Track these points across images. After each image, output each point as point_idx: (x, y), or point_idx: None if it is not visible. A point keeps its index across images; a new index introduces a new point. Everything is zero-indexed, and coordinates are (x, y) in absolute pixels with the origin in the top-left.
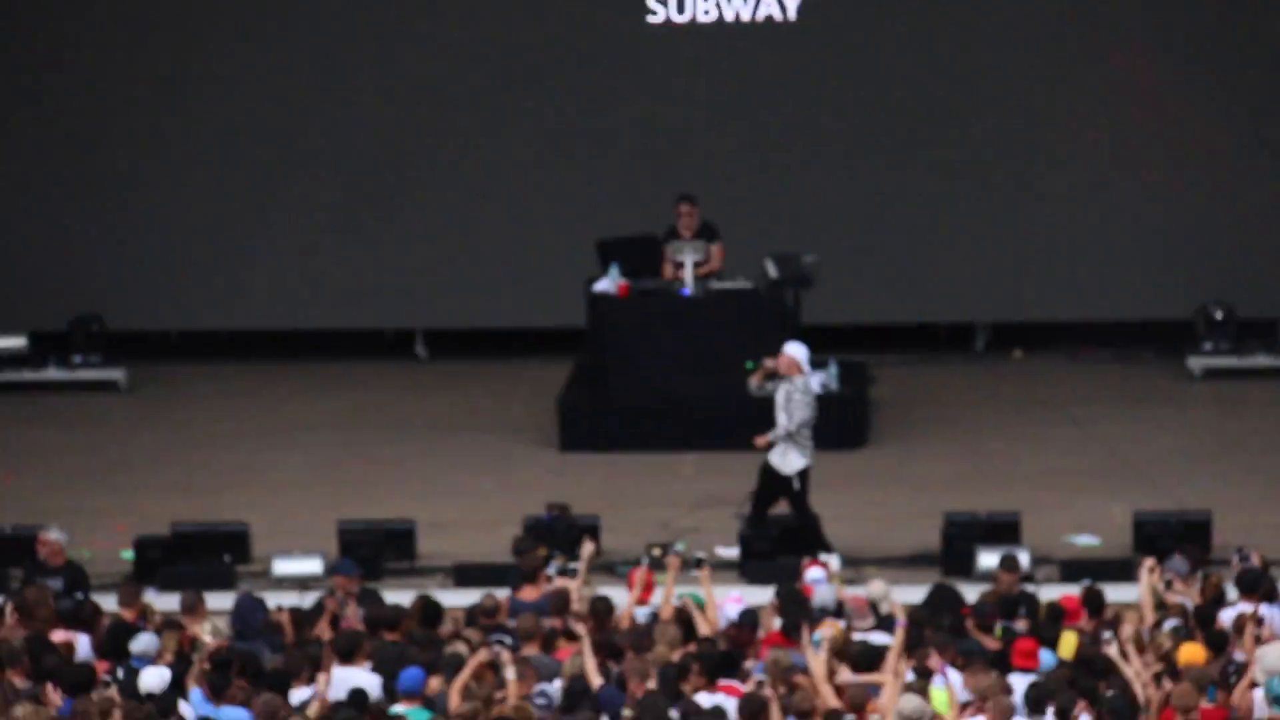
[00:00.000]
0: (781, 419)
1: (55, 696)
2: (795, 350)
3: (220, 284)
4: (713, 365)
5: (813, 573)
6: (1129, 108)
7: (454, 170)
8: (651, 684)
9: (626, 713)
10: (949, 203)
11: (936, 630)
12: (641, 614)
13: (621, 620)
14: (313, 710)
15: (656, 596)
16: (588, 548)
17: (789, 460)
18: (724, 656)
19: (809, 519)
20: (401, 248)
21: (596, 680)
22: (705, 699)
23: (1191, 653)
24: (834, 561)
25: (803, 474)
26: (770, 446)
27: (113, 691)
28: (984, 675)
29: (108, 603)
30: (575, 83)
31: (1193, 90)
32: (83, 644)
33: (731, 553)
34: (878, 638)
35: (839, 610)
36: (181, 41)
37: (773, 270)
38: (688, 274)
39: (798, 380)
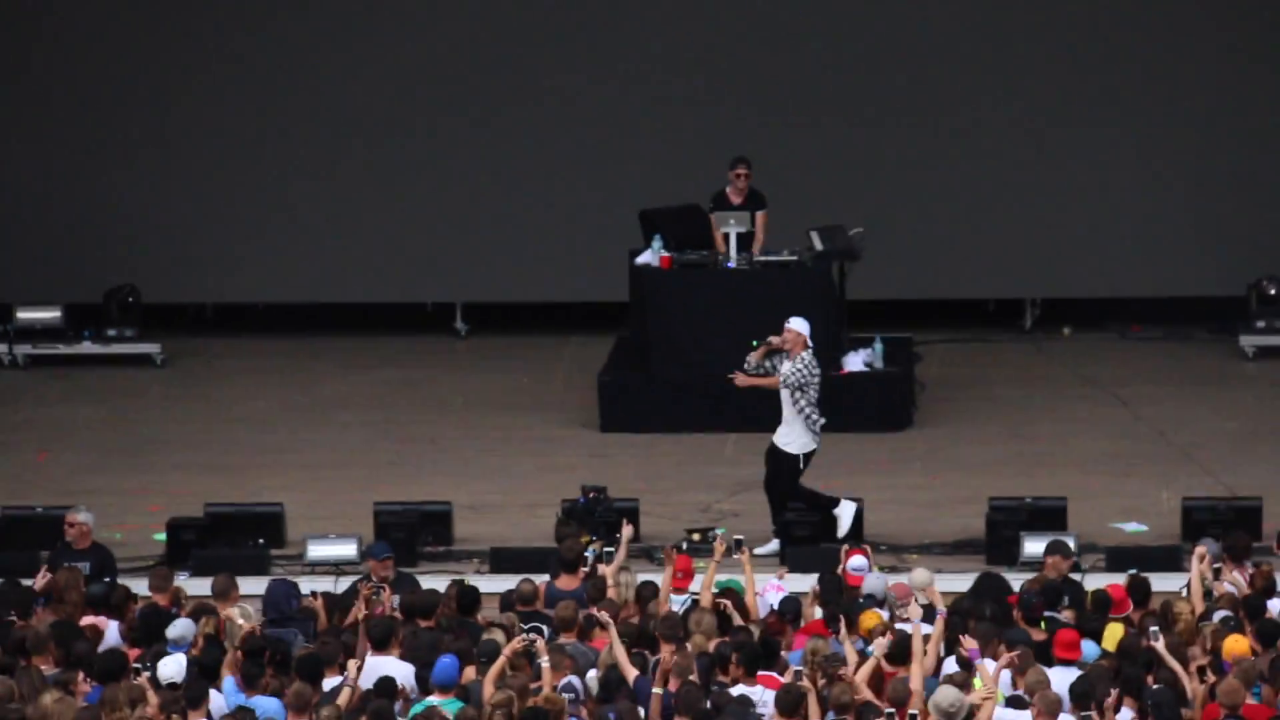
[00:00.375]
0: (785, 393)
1: (84, 685)
2: (800, 325)
3: (257, 256)
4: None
5: (855, 561)
6: (1181, 80)
7: (495, 139)
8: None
9: (656, 689)
10: (998, 176)
11: (979, 620)
12: (679, 602)
13: (659, 608)
14: (343, 699)
15: (694, 584)
16: (626, 531)
17: (796, 441)
18: (763, 646)
19: (800, 494)
20: (441, 219)
21: (631, 673)
22: (742, 690)
23: (1236, 645)
24: (847, 510)
25: (807, 456)
26: (749, 386)
27: (143, 679)
28: (1033, 670)
29: (137, 586)
30: (617, 48)
31: (1246, 62)
32: (111, 630)
33: (770, 548)
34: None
35: (884, 600)
36: (215, 12)
37: (818, 243)
38: (732, 246)
39: (804, 355)
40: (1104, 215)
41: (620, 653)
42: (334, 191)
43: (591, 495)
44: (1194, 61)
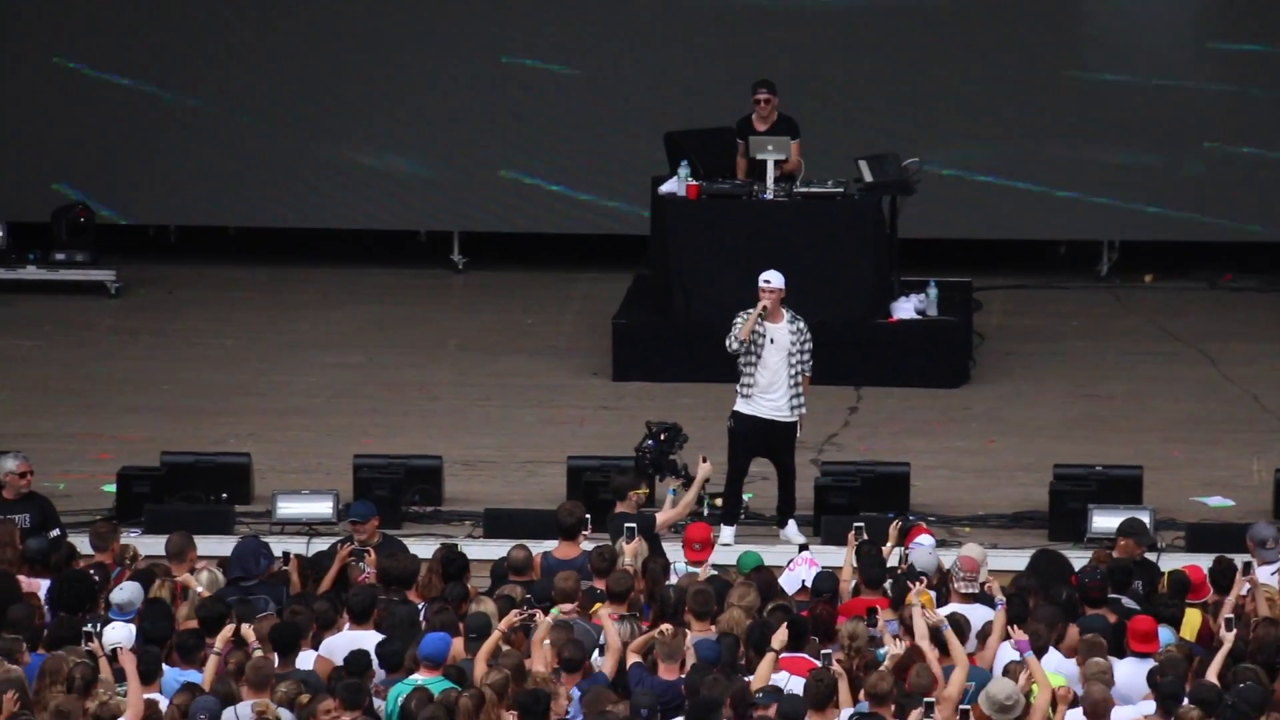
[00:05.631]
0: (786, 358)
1: (26, 655)
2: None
3: (228, 174)
4: (795, 283)
5: (923, 540)
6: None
7: (500, 47)
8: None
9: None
10: (1070, 101)
11: (1049, 602)
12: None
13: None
14: (208, 672)
15: (716, 555)
16: (704, 469)
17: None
18: (792, 626)
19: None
20: (439, 138)
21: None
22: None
23: None
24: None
25: None
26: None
27: (96, 645)
28: (1094, 662)
29: (83, 545)
30: None
31: None
32: (42, 592)
33: (800, 538)
34: (977, 611)
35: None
36: None
37: (867, 173)
38: (769, 174)
39: (791, 315)
40: (1193, 147)
41: (615, 642)
42: (318, 103)
43: (663, 436)
44: None
